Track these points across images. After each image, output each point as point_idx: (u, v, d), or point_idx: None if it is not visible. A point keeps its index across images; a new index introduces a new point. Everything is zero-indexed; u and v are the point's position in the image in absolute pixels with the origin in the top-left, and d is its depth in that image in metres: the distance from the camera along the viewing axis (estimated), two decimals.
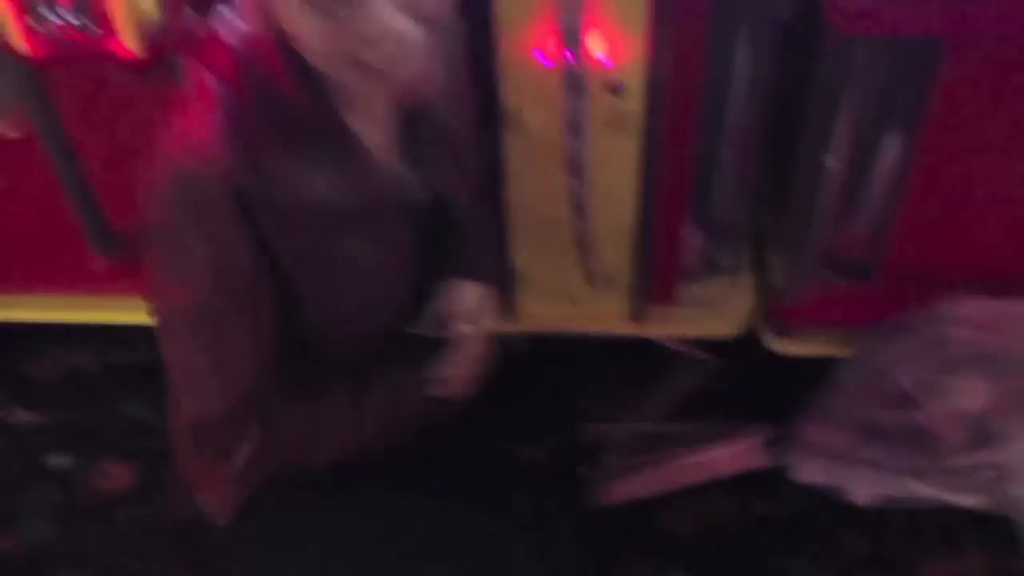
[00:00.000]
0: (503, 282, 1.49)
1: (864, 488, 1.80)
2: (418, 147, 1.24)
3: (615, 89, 1.55)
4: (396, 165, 1.22)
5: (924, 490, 1.76)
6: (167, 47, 1.46)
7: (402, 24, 1.04)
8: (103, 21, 1.43)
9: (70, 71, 1.60)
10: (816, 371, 1.82)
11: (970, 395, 1.70)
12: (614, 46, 1.51)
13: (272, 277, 1.15)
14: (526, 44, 1.52)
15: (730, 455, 1.88)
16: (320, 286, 1.20)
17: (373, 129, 1.19)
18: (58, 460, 1.96)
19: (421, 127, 1.24)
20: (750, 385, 1.94)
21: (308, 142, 1.13)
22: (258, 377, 1.19)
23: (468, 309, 1.37)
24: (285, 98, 1.10)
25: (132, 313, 1.97)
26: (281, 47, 1.07)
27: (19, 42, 1.47)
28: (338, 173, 1.15)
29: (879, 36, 1.45)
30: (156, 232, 1.14)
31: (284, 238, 1.13)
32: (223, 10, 1.12)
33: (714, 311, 1.92)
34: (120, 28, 1.43)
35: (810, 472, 1.83)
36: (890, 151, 1.65)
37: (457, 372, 1.35)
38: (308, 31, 1.04)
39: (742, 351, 1.90)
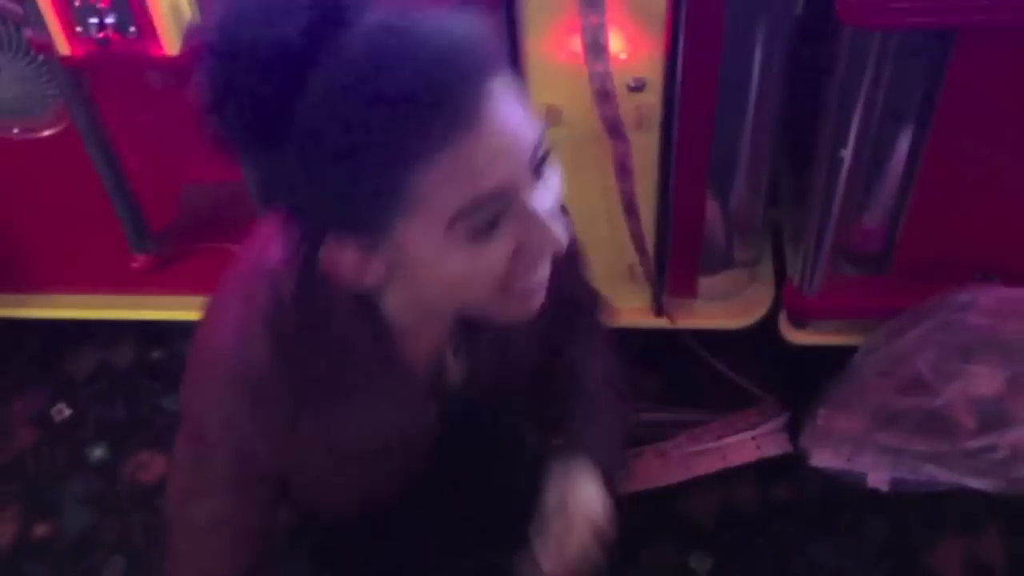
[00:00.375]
0: (615, 461, 1.20)
1: (882, 473, 1.85)
2: (470, 344, 1.07)
3: (635, 87, 1.61)
4: (440, 374, 1.07)
5: (941, 474, 1.81)
6: None
7: (561, 233, 0.85)
8: (142, 23, 1.49)
9: (110, 72, 1.66)
10: (833, 360, 1.87)
11: (984, 380, 1.74)
12: (633, 43, 1.56)
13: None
14: (551, 43, 1.58)
15: (750, 442, 1.93)
16: (317, 473, 1.06)
17: (425, 346, 1.04)
18: (98, 452, 2.03)
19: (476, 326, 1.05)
20: (769, 374, 1.99)
21: (350, 379, 0.98)
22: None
23: (561, 493, 1.11)
24: (338, 331, 0.95)
25: (169, 310, 2.04)
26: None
27: (61, 44, 1.53)
28: (376, 408, 1.01)
29: (890, 29, 1.50)
30: (182, 410, 1.02)
31: (295, 449, 1.00)
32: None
33: (733, 303, 1.96)
34: (159, 30, 1.49)
35: (828, 458, 1.87)
36: (903, 144, 1.69)
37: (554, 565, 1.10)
38: (453, 269, 0.83)
39: (760, 341, 1.95)
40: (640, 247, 1.81)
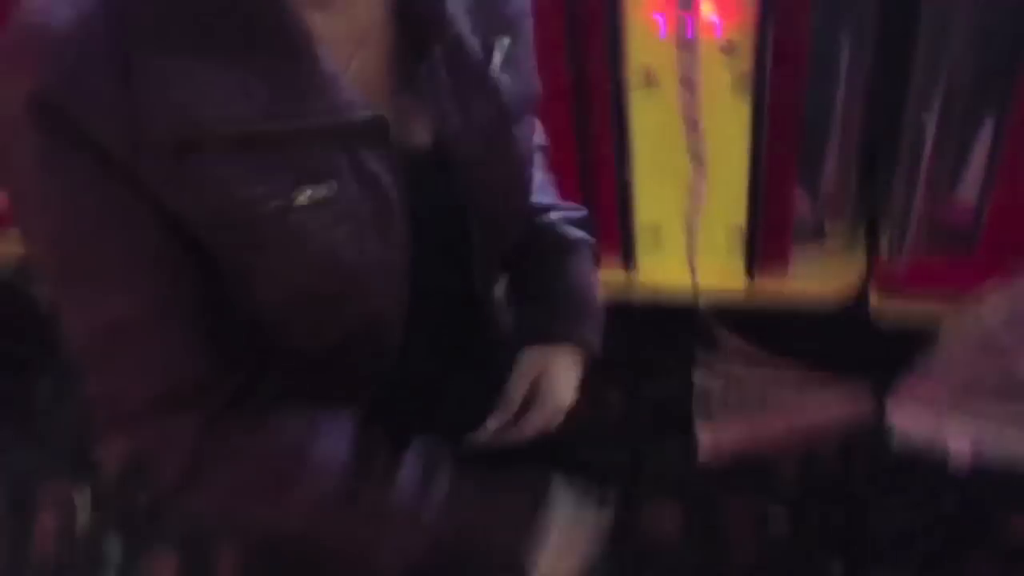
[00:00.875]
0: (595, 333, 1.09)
1: (963, 442, 1.89)
2: (432, 81, 0.88)
3: (727, 49, 1.73)
4: (383, 99, 0.85)
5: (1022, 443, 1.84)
6: None
7: None
8: None
9: None
10: (921, 335, 1.93)
11: None
12: (725, 8, 1.69)
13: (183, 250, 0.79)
14: (648, 9, 1.72)
15: (835, 406, 2.00)
16: (259, 271, 0.82)
17: (349, 35, 0.83)
18: None
19: (438, 53, 0.87)
20: (857, 346, 2.05)
21: (225, 37, 0.75)
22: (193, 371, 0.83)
23: (536, 376, 1.04)
24: None
25: None
26: None
27: None
28: (272, 89, 0.77)
29: None
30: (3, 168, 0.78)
31: (184, 188, 0.76)
32: None
33: (823, 275, 2.04)
34: None
35: (911, 424, 1.92)
36: (988, 123, 1.76)
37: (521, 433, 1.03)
38: None
39: (850, 313, 2.02)
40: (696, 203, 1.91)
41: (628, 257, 2.02)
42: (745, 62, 1.74)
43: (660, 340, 1.98)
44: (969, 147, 1.79)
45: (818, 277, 2.04)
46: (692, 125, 1.79)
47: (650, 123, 1.84)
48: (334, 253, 0.82)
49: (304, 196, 0.78)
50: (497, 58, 0.91)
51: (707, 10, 1.68)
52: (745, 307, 2.05)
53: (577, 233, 1.12)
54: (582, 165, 1.93)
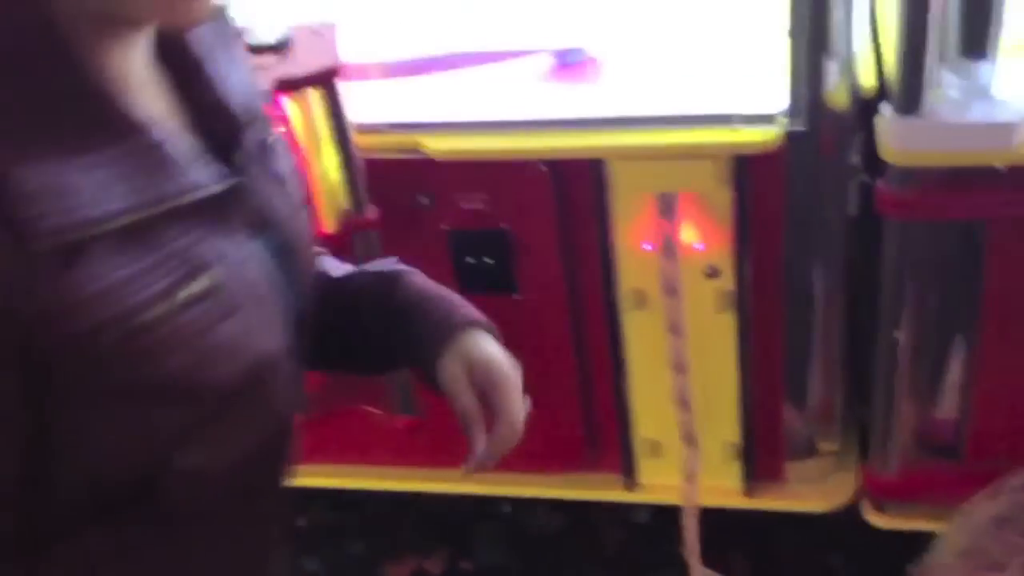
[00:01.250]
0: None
1: None
2: (248, 165, 0.86)
3: (711, 273, 1.87)
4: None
5: None
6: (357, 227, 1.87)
7: None
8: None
9: None
10: (913, 544, 1.97)
11: None
12: (707, 234, 1.84)
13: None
14: (636, 236, 1.88)
15: None
16: (145, 392, 0.76)
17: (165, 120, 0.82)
18: None
19: (247, 141, 0.87)
20: (851, 558, 2.09)
21: (74, 134, 0.72)
22: None
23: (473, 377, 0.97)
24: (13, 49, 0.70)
25: (309, 477, 2.27)
26: None
27: None
28: (134, 179, 0.74)
29: (926, 221, 1.73)
30: None
31: (68, 307, 0.70)
32: None
33: (817, 487, 2.11)
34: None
35: None
36: (959, 338, 1.88)
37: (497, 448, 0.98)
38: None
39: (846, 525, 2.08)
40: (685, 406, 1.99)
41: (628, 471, 2.10)
42: (728, 285, 1.88)
43: (659, 553, 2.03)
44: (944, 361, 1.90)
45: (812, 489, 2.11)
46: (676, 333, 1.90)
47: (643, 340, 1.97)
48: (234, 344, 0.80)
49: (190, 290, 0.76)
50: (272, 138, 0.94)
51: (690, 238, 1.83)
52: (742, 519, 2.11)
53: (395, 264, 1.10)
54: (582, 382, 2.05)
